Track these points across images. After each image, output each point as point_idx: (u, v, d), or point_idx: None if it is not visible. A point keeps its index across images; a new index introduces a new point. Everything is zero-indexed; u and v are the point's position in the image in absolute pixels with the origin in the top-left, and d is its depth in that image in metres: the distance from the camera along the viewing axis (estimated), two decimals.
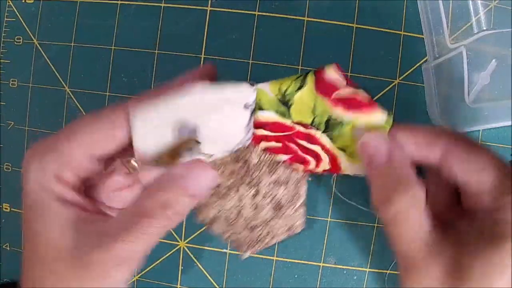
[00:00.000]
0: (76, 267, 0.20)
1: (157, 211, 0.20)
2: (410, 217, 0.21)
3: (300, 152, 0.24)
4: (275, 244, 0.33)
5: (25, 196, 0.22)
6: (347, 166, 0.24)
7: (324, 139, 0.24)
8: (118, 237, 0.20)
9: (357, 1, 0.32)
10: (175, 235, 0.34)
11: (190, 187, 0.21)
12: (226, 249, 0.33)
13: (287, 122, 0.23)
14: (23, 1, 0.35)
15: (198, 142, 0.22)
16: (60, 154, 0.22)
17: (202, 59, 0.33)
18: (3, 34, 0.36)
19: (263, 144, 0.24)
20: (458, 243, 0.21)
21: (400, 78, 0.32)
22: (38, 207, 0.21)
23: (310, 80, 0.23)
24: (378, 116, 0.23)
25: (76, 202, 0.22)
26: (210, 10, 0.33)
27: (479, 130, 0.33)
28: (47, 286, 0.20)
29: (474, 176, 0.21)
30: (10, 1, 0.35)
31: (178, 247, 0.34)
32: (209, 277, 0.34)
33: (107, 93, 0.34)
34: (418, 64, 0.32)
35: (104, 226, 0.21)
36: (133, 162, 0.24)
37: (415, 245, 0.21)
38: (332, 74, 0.22)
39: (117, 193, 0.26)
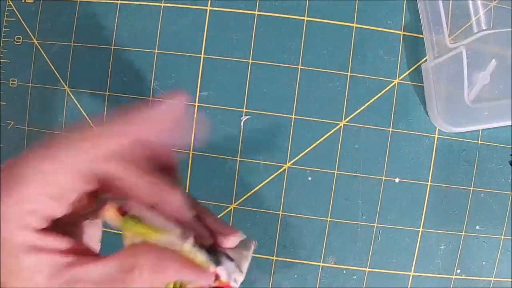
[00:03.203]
0: None
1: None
2: None
3: None
4: (275, 243, 0.33)
5: None
6: None
7: None
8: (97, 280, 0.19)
9: (357, 1, 0.32)
10: None
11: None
12: None
13: None
14: (23, 0, 0.35)
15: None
16: (20, 199, 0.19)
17: (202, 58, 0.33)
18: (3, 34, 0.36)
19: None
20: None
21: (399, 78, 0.32)
22: (5, 257, 0.20)
23: None
24: None
25: (44, 247, 0.20)
26: (210, 9, 0.33)
27: (479, 130, 0.33)
28: None
29: None
30: (10, 1, 0.35)
31: None
32: None
33: (107, 93, 0.34)
34: (417, 64, 0.32)
35: (80, 269, 0.20)
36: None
37: None
38: None
39: (86, 229, 0.24)
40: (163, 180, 0.21)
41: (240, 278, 0.22)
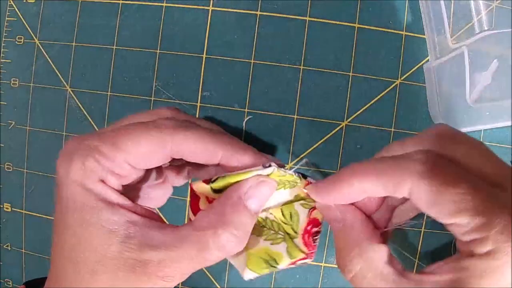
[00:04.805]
0: (123, 269, 0.20)
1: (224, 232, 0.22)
2: (366, 280, 0.20)
3: None
4: None
5: (67, 199, 0.21)
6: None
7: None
8: (172, 247, 0.21)
9: (359, 1, 0.32)
10: None
11: (254, 207, 0.22)
12: None
13: None
14: (25, 0, 0.35)
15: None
16: (105, 159, 0.21)
17: (204, 58, 0.33)
18: (4, 34, 0.36)
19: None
20: None
21: (401, 78, 0.32)
22: (84, 211, 0.20)
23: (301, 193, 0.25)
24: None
25: (122, 204, 0.21)
26: (211, 9, 0.33)
27: (480, 130, 0.33)
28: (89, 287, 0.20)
29: (448, 220, 0.19)
30: (11, 1, 0.35)
31: None
32: (210, 277, 0.34)
33: (108, 93, 0.34)
34: (419, 64, 0.32)
35: (156, 233, 0.21)
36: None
37: None
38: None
39: (149, 190, 0.25)
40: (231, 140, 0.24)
41: None
